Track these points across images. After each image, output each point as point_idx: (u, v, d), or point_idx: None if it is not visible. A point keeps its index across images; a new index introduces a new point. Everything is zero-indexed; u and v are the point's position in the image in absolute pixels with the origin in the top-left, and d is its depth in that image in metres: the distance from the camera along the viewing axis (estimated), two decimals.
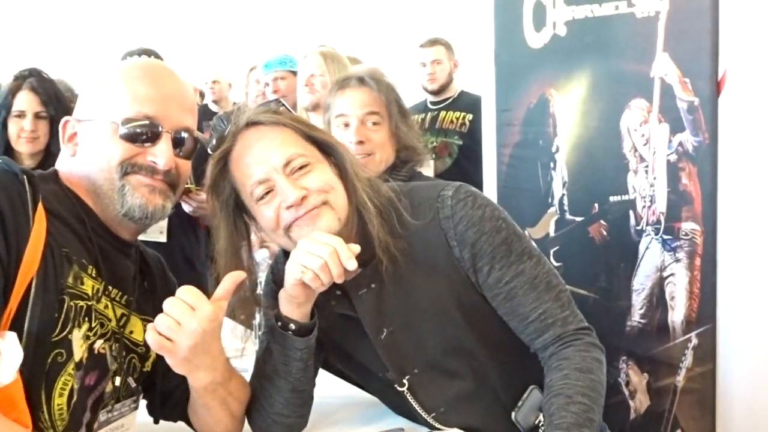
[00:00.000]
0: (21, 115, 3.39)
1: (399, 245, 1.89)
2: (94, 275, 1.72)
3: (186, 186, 3.69)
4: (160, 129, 1.76)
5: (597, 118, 3.06)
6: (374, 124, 2.70)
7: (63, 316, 1.63)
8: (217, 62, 7.46)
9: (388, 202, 1.92)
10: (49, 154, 3.41)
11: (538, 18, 3.25)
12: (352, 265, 1.73)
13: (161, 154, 1.76)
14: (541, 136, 3.34)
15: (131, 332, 1.85)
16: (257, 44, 6.86)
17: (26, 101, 3.39)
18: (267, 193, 1.84)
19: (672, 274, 2.82)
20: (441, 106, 5.42)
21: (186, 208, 3.78)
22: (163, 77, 1.82)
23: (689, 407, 2.80)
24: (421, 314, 1.93)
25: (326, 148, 1.91)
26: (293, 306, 1.85)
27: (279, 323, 1.88)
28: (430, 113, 5.39)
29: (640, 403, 2.98)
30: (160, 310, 1.82)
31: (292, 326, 1.87)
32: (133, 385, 1.86)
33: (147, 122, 1.75)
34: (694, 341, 2.75)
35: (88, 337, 1.70)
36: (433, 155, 5.08)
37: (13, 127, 3.39)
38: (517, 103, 3.45)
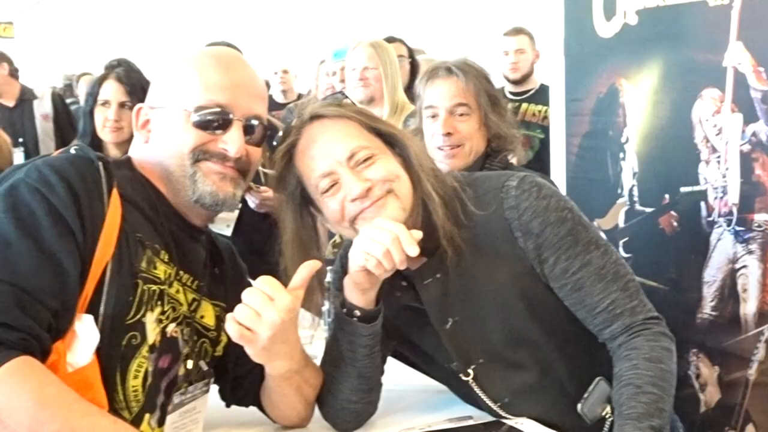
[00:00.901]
0: (106, 104, 3.45)
1: (463, 235, 1.89)
2: (166, 260, 1.76)
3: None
4: (231, 116, 1.79)
5: (668, 108, 3.02)
6: (462, 115, 2.69)
7: (137, 299, 1.67)
8: (284, 53, 7.51)
9: (452, 192, 1.93)
10: None
11: (609, 7, 3.23)
12: (414, 251, 1.75)
13: (232, 142, 1.78)
14: (610, 126, 3.31)
15: (202, 317, 1.88)
16: (326, 35, 6.90)
17: (112, 91, 3.45)
18: (332, 186, 1.85)
19: (744, 266, 2.78)
20: (522, 98, 5.35)
21: (250, 203, 3.82)
22: (234, 65, 1.84)
23: (761, 401, 2.76)
24: (485, 304, 1.93)
25: (390, 140, 1.93)
26: (358, 293, 1.87)
27: (344, 310, 1.91)
28: (510, 104, 5.31)
29: (710, 396, 2.95)
30: (231, 296, 1.86)
31: (357, 313, 1.89)
32: (205, 368, 1.89)
33: (218, 110, 1.77)
34: (767, 334, 2.71)
35: (160, 321, 1.73)
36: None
37: (98, 115, 3.45)
38: (586, 93, 3.43)
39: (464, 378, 1.99)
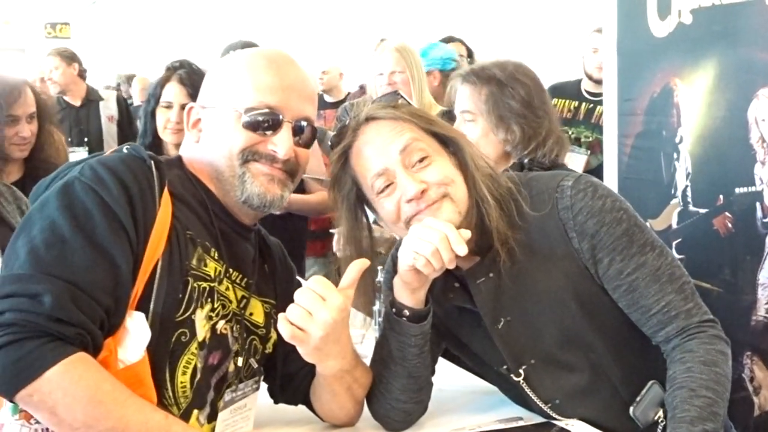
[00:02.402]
0: (168, 106, 3.47)
1: (517, 236, 1.89)
2: (216, 258, 1.78)
3: None
4: (281, 118, 1.80)
5: (724, 108, 2.99)
6: (469, 121, 2.70)
7: (187, 296, 1.69)
8: (327, 52, 7.52)
9: (507, 193, 1.93)
10: None
11: (663, 6, 3.19)
12: (463, 250, 1.75)
13: (281, 143, 1.80)
14: (664, 126, 3.28)
15: (251, 314, 1.90)
16: (371, 34, 6.90)
17: (174, 93, 3.47)
18: (387, 186, 1.86)
19: None
20: (600, 99, 5.22)
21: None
22: (284, 66, 1.86)
23: None
24: (538, 305, 1.93)
25: (446, 141, 1.93)
26: (407, 292, 1.88)
27: (393, 310, 1.91)
28: (585, 104, 5.15)
29: (764, 399, 2.91)
30: (280, 294, 1.87)
31: (406, 312, 1.90)
32: (255, 365, 1.91)
33: (268, 111, 1.80)
34: None
35: (210, 318, 1.75)
36: (588, 150, 4.93)
37: (160, 117, 3.48)
38: (639, 93, 3.40)
39: (515, 379, 1.99)
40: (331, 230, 3.98)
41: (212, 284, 1.76)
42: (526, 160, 2.62)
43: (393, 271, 2.04)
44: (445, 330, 2.04)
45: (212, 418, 1.79)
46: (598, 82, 5.11)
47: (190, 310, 1.70)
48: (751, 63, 2.84)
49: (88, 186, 1.63)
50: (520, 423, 2.00)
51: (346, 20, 9.43)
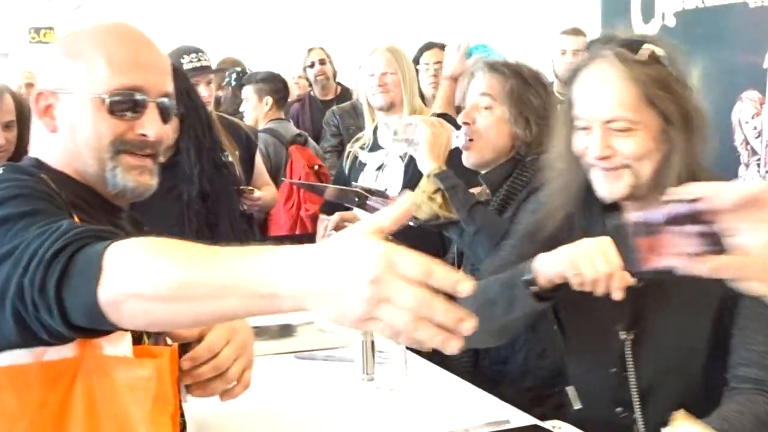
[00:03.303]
0: None
1: None
2: None
3: (240, 187, 3.83)
4: (146, 99, 1.67)
5: (707, 111, 2.99)
6: (487, 108, 2.65)
7: None
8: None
9: None
10: (179, 150, 3.44)
11: (647, 9, 3.21)
12: (618, 295, 1.75)
13: (151, 126, 1.67)
14: None
15: None
16: (375, 35, 6.89)
17: None
18: (585, 128, 1.90)
19: None
20: None
21: (242, 206, 3.86)
22: (136, 40, 1.72)
23: None
24: (681, 297, 1.89)
25: (667, 118, 1.88)
26: (548, 276, 1.85)
27: (527, 276, 1.88)
28: (559, 105, 5.19)
29: None
30: None
31: (535, 288, 1.87)
32: None
33: (132, 92, 1.65)
34: None
35: None
36: None
37: None
38: None
39: (622, 336, 1.95)
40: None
41: None
42: (528, 159, 2.61)
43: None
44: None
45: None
46: (567, 82, 5.16)
47: None
48: (735, 66, 2.85)
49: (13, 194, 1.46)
50: (508, 426, 2.00)
51: (331, 25, 9.43)
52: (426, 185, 2.54)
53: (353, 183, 3.60)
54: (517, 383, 2.46)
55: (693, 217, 1.23)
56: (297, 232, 4.47)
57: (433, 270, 1.05)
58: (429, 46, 4.95)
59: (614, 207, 1.96)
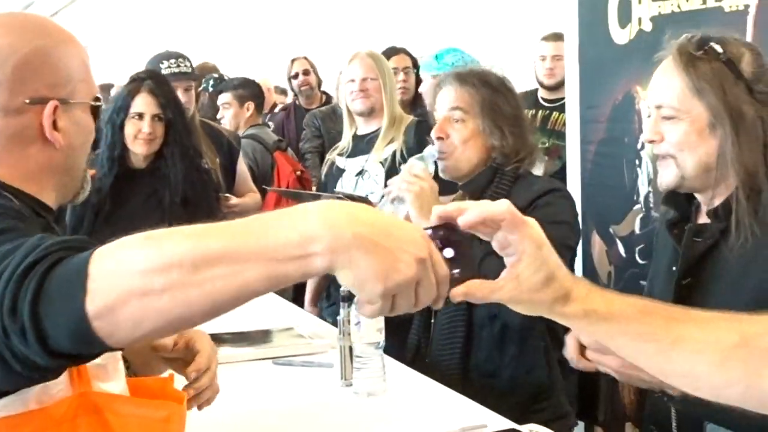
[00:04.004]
0: (140, 116, 3.46)
1: (754, 227, 1.87)
2: None
3: (218, 194, 3.82)
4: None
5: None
6: (457, 120, 2.63)
7: None
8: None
9: (757, 194, 1.89)
10: (161, 155, 3.48)
11: (624, 13, 3.22)
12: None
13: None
14: (626, 133, 3.30)
15: None
16: (348, 42, 6.90)
17: (145, 103, 3.45)
18: (649, 116, 2.01)
19: None
20: (555, 105, 5.24)
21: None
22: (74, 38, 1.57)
23: None
24: (729, 291, 1.90)
25: (716, 113, 1.90)
26: None
27: None
28: (542, 111, 5.18)
29: None
30: None
31: None
32: None
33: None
34: None
35: None
36: (545, 156, 4.94)
37: (130, 128, 3.46)
38: (602, 100, 3.42)
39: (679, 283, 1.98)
40: None
41: None
42: (507, 168, 2.59)
43: None
44: None
45: None
46: (549, 88, 5.20)
47: None
48: None
49: None
50: (485, 430, 2.00)
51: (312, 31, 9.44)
52: None
53: (334, 190, 3.60)
54: (506, 397, 2.45)
55: (444, 239, 1.17)
56: None
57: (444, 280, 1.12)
58: (394, 52, 4.95)
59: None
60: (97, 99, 1.55)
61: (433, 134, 2.61)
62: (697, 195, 2.01)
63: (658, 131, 1.95)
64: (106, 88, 9.17)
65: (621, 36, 3.24)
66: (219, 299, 1.05)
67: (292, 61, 6.46)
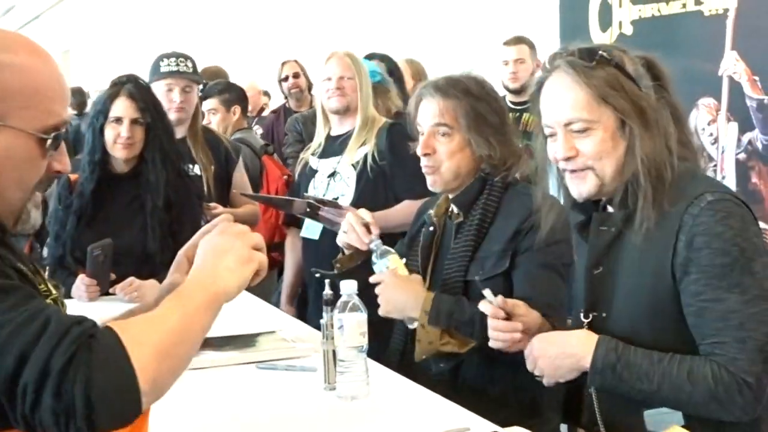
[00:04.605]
0: (118, 121, 3.45)
1: (650, 211, 1.94)
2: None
3: (202, 202, 3.78)
4: (64, 131, 1.48)
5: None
6: (444, 135, 2.58)
7: None
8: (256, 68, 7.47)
9: (661, 182, 1.95)
10: (143, 160, 3.47)
11: (604, 17, 3.24)
12: None
13: (65, 159, 1.50)
14: None
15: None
16: (323, 46, 6.90)
17: (124, 108, 3.44)
18: (552, 134, 2.01)
19: None
20: (523, 107, 5.27)
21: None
22: (52, 59, 1.48)
23: None
24: (633, 274, 1.99)
25: (622, 115, 1.95)
26: None
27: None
28: (513, 114, 5.20)
29: None
30: None
31: None
32: None
33: (62, 126, 1.46)
34: None
35: None
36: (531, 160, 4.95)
37: (110, 132, 3.45)
38: None
39: (584, 318, 2.07)
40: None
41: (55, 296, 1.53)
42: (496, 179, 2.58)
43: None
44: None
45: None
46: (514, 92, 5.26)
47: None
48: (691, 73, 2.89)
49: None
50: None
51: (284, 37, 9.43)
52: (427, 337, 2.48)
53: (304, 193, 3.60)
54: (496, 412, 2.43)
55: None
56: (276, 240, 4.44)
57: None
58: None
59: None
60: (48, 131, 1.42)
61: (419, 151, 2.58)
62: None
63: (572, 147, 1.97)
64: (75, 92, 9.16)
65: (602, 40, 3.26)
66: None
67: (282, 64, 6.47)
